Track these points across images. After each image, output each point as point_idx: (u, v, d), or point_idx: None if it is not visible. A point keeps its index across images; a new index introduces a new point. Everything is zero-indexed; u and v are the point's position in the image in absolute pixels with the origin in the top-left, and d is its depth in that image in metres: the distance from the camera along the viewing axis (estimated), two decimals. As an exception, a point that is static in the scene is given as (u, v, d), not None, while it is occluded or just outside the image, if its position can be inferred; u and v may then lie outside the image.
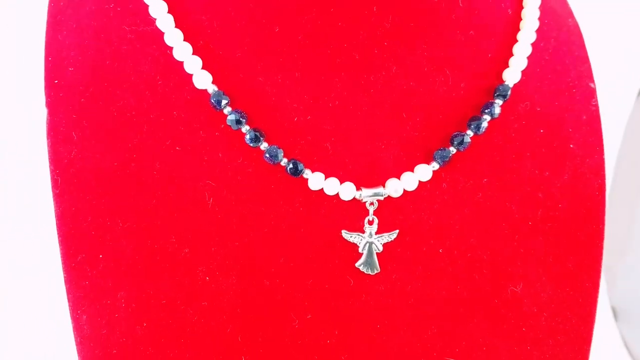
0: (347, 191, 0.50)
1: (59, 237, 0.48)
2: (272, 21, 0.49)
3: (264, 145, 0.49)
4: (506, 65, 0.54)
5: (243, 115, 0.48)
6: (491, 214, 0.53)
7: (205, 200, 0.49)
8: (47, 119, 0.50)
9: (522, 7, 0.55)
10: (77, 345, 0.48)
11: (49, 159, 0.49)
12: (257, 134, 0.48)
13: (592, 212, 0.55)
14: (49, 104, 0.50)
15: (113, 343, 0.48)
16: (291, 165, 0.49)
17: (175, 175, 0.49)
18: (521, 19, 0.55)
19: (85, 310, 0.48)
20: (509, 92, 0.53)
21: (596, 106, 0.58)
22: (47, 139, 0.49)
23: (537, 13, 0.55)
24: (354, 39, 0.49)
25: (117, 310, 0.48)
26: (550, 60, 0.56)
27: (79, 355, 0.48)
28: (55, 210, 0.49)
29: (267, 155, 0.48)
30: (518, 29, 0.55)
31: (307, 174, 0.49)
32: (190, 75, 0.49)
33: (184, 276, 0.48)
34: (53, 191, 0.49)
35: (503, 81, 0.53)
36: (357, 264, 0.51)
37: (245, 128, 0.48)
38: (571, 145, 0.55)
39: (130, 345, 0.48)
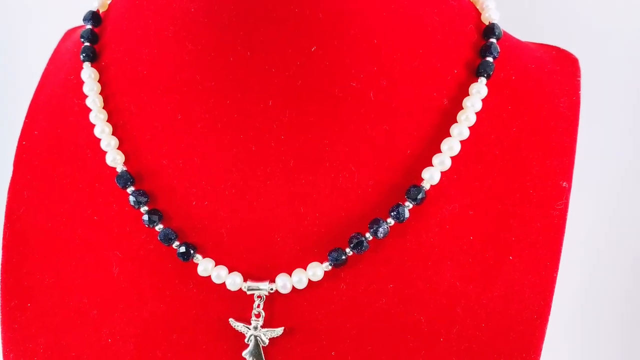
0: (233, 281, 0.46)
1: (1, 283, 0.52)
2: (176, 109, 0.47)
3: (159, 227, 0.47)
4: (429, 164, 0.45)
5: (144, 196, 0.47)
6: (395, 323, 0.45)
7: (112, 268, 0.49)
8: (12, 176, 0.54)
9: (466, 95, 0.46)
10: None
11: (5, 212, 0.53)
12: (153, 217, 0.47)
13: (526, 339, 0.45)
14: (15, 163, 0.54)
15: None
16: (181, 250, 0.47)
17: (91, 242, 0.49)
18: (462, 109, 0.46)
19: (13, 350, 0.51)
20: (422, 196, 0.44)
21: (563, 210, 0.46)
22: (7, 194, 0.54)
23: (480, 105, 0.45)
24: (249, 131, 0.45)
25: (36, 354, 0.50)
26: (501, 155, 0.46)
27: None
28: (2, 258, 0.53)
29: (160, 237, 0.47)
30: (455, 122, 0.46)
31: (198, 259, 0.47)
32: (112, 152, 0.48)
33: (91, 335, 0.49)
34: (2, 242, 0.53)
35: (422, 180, 0.45)
36: (243, 354, 0.47)
37: (144, 209, 0.47)
38: (511, 257, 0.45)
39: None
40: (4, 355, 0.48)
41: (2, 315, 0.48)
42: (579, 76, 0.47)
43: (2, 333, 0.48)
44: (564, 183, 0.43)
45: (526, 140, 0.44)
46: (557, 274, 0.42)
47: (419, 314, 0.41)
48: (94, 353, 0.46)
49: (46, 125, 0.49)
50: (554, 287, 0.42)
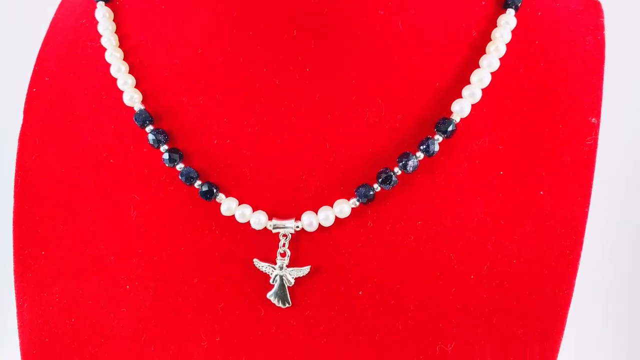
0: (258, 220, 0.44)
1: (13, 232, 0.49)
2: (195, 43, 0.44)
3: (180, 166, 0.45)
4: (459, 96, 0.43)
5: (163, 135, 0.45)
6: (424, 260, 0.43)
7: (130, 212, 0.47)
8: (22, 124, 0.51)
9: (494, 27, 0.44)
10: (18, 330, 0.49)
11: (16, 160, 0.50)
12: (173, 155, 0.44)
13: (558, 275, 0.43)
14: (25, 110, 0.51)
15: (46, 333, 0.48)
16: (204, 189, 0.44)
17: (108, 186, 0.47)
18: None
19: (27, 299, 0.49)
20: (452, 128, 0.42)
21: (592, 146, 0.44)
22: (18, 143, 0.51)
23: (509, 36, 0.43)
24: (273, 64, 0.43)
25: (51, 303, 0.48)
26: (530, 90, 0.44)
27: (19, 340, 0.49)
28: (13, 207, 0.50)
29: (181, 176, 0.44)
30: (484, 53, 0.43)
31: (221, 198, 0.44)
32: (128, 92, 0.45)
33: (108, 282, 0.47)
34: (14, 190, 0.50)
35: (451, 113, 0.43)
36: (267, 295, 0.45)
37: (163, 148, 0.45)
38: (541, 192, 0.43)
39: (60, 337, 0.48)
40: (18, 306, 0.45)
41: (15, 264, 0.45)
42: (602, 17, 0.45)
43: (15, 282, 0.45)
44: (593, 119, 0.41)
45: (554, 75, 0.42)
46: (588, 209, 0.40)
47: (448, 251, 0.39)
48: (111, 300, 0.43)
49: (57, 71, 0.47)
50: (585, 222, 0.40)
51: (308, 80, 0.39)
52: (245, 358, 0.42)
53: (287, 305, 0.41)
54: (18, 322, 0.46)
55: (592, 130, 0.41)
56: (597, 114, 0.42)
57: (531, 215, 0.40)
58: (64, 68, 0.47)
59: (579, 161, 0.41)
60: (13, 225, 0.46)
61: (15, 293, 0.46)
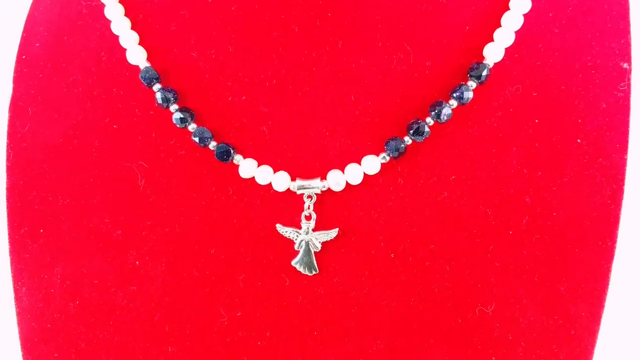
0: (280, 181, 0.40)
1: (7, 210, 0.44)
2: None
3: (192, 127, 0.40)
4: (491, 40, 0.40)
5: (172, 93, 0.40)
6: (459, 217, 0.40)
7: (137, 182, 0.42)
8: (11, 94, 0.46)
9: None
10: (17, 316, 0.44)
11: (7, 132, 0.45)
12: (185, 114, 0.40)
13: (600, 226, 0.40)
14: (15, 79, 0.46)
15: (48, 317, 0.43)
16: (218, 150, 0.40)
17: (111, 154, 0.42)
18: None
19: (25, 283, 0.44)
20: (486, 73, 0.39)
21: (626, 92, 0.41)
22: (8, 113, 0.46)
23: None
24: (291, 10, 0.39)
25: (52, 285, 0.43)
26: (562, 34, 0.41)
27: (18, 327, 0.44)
28: (6, 183, 0.45)
29: (194, 137, 0.40)
30: None
31: (238, 160, 0.40)
32: (130, 51, 0.41)
33: (115, 258, 0.42)
34: (6, 164, 0.45)
35: (483, 58, 0.39)
36: (292, 263, 0.41)
37: (173, 107, 0.40)
38: (578, 140, 0.40)
39: (63, 321, 0.43)
40: (15, 289, 0.40)
41: (11, 244, 0.41)
42: None
43: (11, 265, 0.41)
44: (624, 64, 0.38)
45: (582, 20, 0.39)
46: (627, 157, 0.37)
47: (484, 206, 0.36)
48: (119, 278, 0.39)
49: (48, 36, 0.42)
50: (624, 170, 0.37)
51: (330, 26, 0.36)
52: (269, 333, 0.38)
53: (313, 272, 0.38)
54: (16, 307, 0.41)
55: (625, 76, 0.38)
56: (628, 59, 0.39)
57: (569, 165, 0.37)
58: (56, 32, 0.42)
59: (614, 108, 0.38)
60: (7, 202, 0.41)
61: (12, 276, 0.41)
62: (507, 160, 0.37)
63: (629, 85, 0.39)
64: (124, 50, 0.39)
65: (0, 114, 0.48)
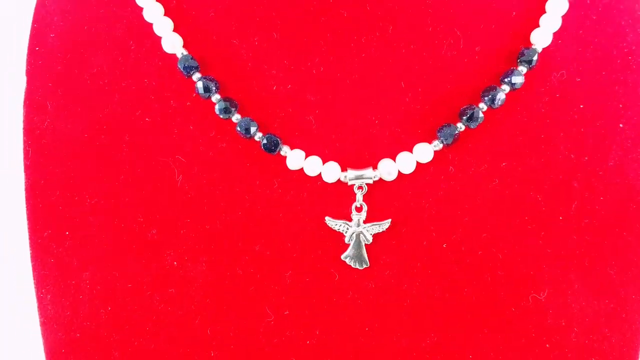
0: (330, 172, 0.37)
1: (27, 212, 0.40)
2: None
3: (236, 117, 0.38)
4: (536, 25, 0.39)
5: (214, 83, 0.38)
6: (511, 205, 0.38)
7: (174, 177, 0.39)
8: (25, 88, 0.42)
9: None
10: (41, 326, 0.40)
11: (23, 129, 0.41)
12: (228, 104, 0.37)
13: None
14: (28, 72, 0.41)
15: (77, 326, 0.39)
16: (266, 141, 0.37)
17: (144, 149, 0.39)
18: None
19: (50, 290, 0.40)
20: (536, 58, 0.38)
21: None
22: (23, 108, 0.42)
23: None
24: None
25: (81, 291, 0.39)
26: (599, 21, 0.41)
27: (43, 338, 0.40)
28: (25, 183, 0.41)
29: (239, 128, 0.37)
30: None
31: (286, 151, 0.38)
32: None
33: (151, 260, 0.39)
34: (24, 163, 0.40)
35: (530, 45, 0.38)
36: (342, 257, 0.38)
37: (215, 97, 0.37)
38: (621, 125, 0.40)
39: (93, 329, 0.39)
40: (39, 298, 0.37)
41: (32, 249, 0.37)
42: None
43: (33, 271, 0.37)
44: None
45: (615, 7, 0.39)
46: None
47: (535, 192, 0.35)
48: (156, 281, 0.36)
49: (64, 26, 0.39)
50: (667, 152, 0.37)
51: (380, 11, 0.34)
52: (319, 331, 0.36)
53: (364, 266, 0.36)
54: (40, 317, 0.37)
55: None
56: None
57: (613, 150, 0.36)
58: (73, 22, 0.39)
59: (652, 92, 0.38)
60: (26, 203, 0.37)
61: (35, 284, 0.37)
62: (555, 145, 0.36)
63: None
64: (156, 38, 0.36)
65: (7, 109, 0.44)
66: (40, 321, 0.38)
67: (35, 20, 0.41)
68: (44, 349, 0.37)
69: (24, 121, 0.39)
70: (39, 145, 0.38)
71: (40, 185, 0.37)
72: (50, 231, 0.37)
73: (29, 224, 0.38)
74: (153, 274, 0.37)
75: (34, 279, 0.38)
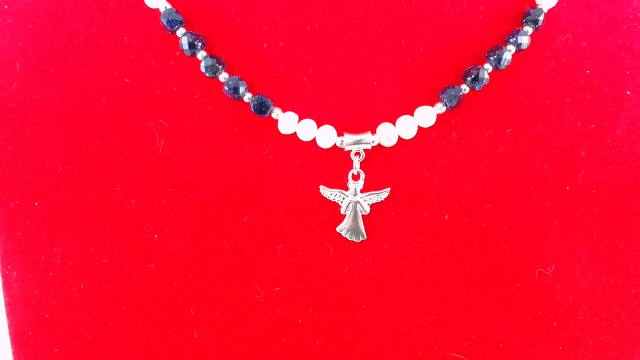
0: (325, 137, 0.34)
1: None
2: None
3: (223, 76, 0.34)
4: None
5: (199, 38, 0.34)
6: (516, 174, 0.36)
7: (155, 142, 0.35)
8: None
9: None
10: (6, 306, 0.36)
11: None
12: (215, 61, 0.34)
13: None
14: None
15: (46, 306, 0.35)
16: (256, 102, 0.34)
17: (122, 112, 0.35)
18: None
19: (16, 266, 0.36)
20: (542, 18, 0.35)
21: None
22: None
23: None
24: None
25: (51, 267, 0.35)
26: None
27: (7, 319, 0.36)
28: None
29: (227, 88, 0.34)
30: None
31: (277, 113, 0.34)
32: (144, -7, 0.35)
33: (129, 233, 0.35)
34: None
35: (536, 4, 0.36)
36: (338, 229, 0.35)
37: (201, 54, 0.34)
38: (628, 92, 0.37)
39: (64, 309, 0.35)
40: (4, 275, 0.33)
41: (-3, 221, 0.33)
42: None
43: (-2, 245, 0.33)
44: None
45: (619, -27, 0.36)
46: (676, 108, 0.35)
47: (541, 161, 0.33)
48: (134, 255, 0.33)
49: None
50: (674, 122, 0.35)
51: (380, -36, 0.31)
52: (312, 309, 0.33)
53: (361, 238, 0.33)
54: (5, 297, 0.33)
55: None
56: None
57: (621, 117, 0.34)
58: None
59: (657, 60, 0.36)
60: (-9, 171, 0.33)
61: (0, 259, 0.33)
62: (561, 112, 0.33)
63: None
64: (137, -7, 0.33)
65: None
66: (5, 300, 0.34)
67: None
68: (9, 331, 0.33)
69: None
70: (6, 108, 0.34)
71: (6, 152, 0.34)
72: (17, 202, 0.33)
73: (-6, 193, 0.34)
74: (131, 248, 0.33)
75: (0, 256, 0.34)
